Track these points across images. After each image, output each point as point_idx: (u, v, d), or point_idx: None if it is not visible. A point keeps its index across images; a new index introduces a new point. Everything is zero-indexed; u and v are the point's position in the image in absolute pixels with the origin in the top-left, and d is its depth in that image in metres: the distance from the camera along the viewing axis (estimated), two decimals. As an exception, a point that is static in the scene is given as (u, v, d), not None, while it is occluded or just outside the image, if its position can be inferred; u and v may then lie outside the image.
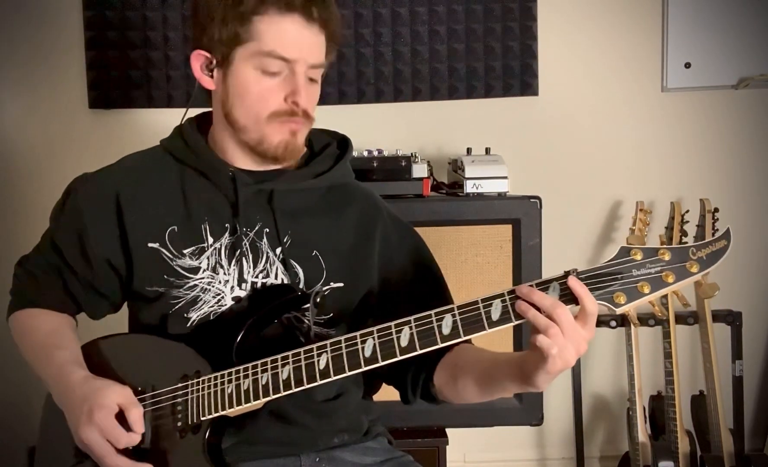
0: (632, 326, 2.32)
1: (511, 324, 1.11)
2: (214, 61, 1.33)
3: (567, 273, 1.09)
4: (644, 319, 2.35)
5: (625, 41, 2.49)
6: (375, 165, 2.09)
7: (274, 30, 1.26)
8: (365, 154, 2.10)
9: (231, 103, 1.32)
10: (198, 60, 1.35)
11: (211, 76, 1.34)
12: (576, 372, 2.43)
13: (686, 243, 2.24)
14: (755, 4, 2.45)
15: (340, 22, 1.36)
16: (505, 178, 2.11)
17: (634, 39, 2.49)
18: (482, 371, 1.27)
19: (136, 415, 1.24)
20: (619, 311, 1.08)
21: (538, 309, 1.09)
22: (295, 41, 1.28)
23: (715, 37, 2.46)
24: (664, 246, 1.09)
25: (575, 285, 1.08)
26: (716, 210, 2.27)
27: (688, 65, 2.48)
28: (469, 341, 1.19)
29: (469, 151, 2.24)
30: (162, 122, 2.41)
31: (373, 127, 2.42)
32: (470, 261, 2.10)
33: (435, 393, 1.37)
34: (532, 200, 2.07)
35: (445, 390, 1.36)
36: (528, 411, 2.13)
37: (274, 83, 1.30)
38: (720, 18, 2.45)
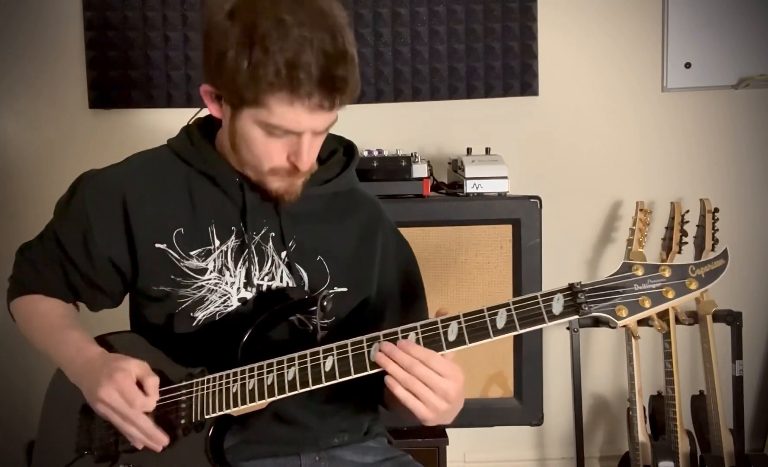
0: (632, 338, 2.33)
1: (516, 332, 1.14)
2: (223, 99, 1.28)
3: (571, 286, 1.12)
4: (644, 320, 2.35)
5: (625, 41, 2.50)
6: (375, 165, 2.09)
7: (284, 110, 1.21)
8: (365, 154, 2.10)
9: (236, 141, 1.30)
10: (207, 90, 1.30)
11: (220, 106, 1.31)
12: (576, 372, 2.43)
13: (686, 243, 2.28)
14: (755, 4, 2.45)
15: (359, 84, 1.27)
16: (505, 178, 2.12)
17: (634, 39, 2.49)
18: None
19: (153, 383, 1.26)
20: (620, 324, 1.11)
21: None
22: (304, 122, 1.23)
23: (715, 37, 2.46)
24: (665, 263, 1.12)
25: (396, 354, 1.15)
26: (716, 210, 2.27)
27: (688, 65, 2.48)
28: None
29: (469, 151, 2.24)
30: (162, 122, 2.44)
31: (373, 127, 2.42)
32: (470, 261, 2.10)
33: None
34: (532, 200, 2.08)
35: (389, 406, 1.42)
36: (528, 411, 2.12)
37: (279, 143, 1.27)
38: (720, 18, 2.45)
